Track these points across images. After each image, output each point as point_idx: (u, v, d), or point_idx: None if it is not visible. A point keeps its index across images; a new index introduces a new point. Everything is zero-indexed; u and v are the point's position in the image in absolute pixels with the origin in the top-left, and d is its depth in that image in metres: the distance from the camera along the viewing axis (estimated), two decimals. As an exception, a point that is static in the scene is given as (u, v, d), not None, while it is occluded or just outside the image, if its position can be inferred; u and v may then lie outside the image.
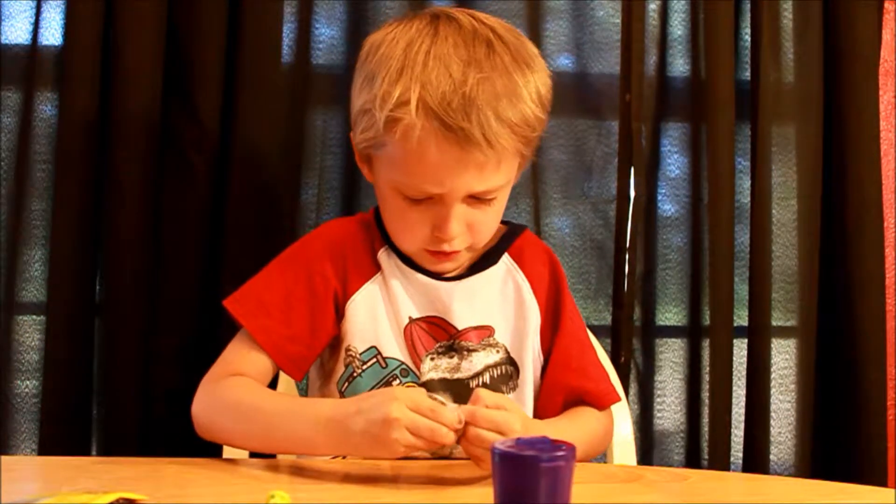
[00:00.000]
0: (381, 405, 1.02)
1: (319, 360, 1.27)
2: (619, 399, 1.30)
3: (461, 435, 1.03)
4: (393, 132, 1.13)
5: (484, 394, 1.05)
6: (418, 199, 1.18)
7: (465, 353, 1.23)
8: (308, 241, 1.29)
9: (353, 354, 1.22)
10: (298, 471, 1.10)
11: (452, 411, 1.02)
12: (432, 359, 1.22)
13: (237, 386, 1.17)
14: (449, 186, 1.15)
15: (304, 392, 1.59)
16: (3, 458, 1.12)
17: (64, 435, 1.52)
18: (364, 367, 1.22)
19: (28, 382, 1.54)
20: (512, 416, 1.04)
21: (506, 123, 1.13)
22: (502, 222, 1.32)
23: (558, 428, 1.19)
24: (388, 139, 1.15)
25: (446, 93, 1.11)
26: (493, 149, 1.12)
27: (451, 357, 1.22)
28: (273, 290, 1.22)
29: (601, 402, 1.27)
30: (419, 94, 1.11)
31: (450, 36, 1.15)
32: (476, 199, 1.18)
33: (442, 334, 1.23)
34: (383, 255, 1.26)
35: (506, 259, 1.29)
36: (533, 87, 1.17)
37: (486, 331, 1.25)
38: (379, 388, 1.21)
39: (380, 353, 1.22)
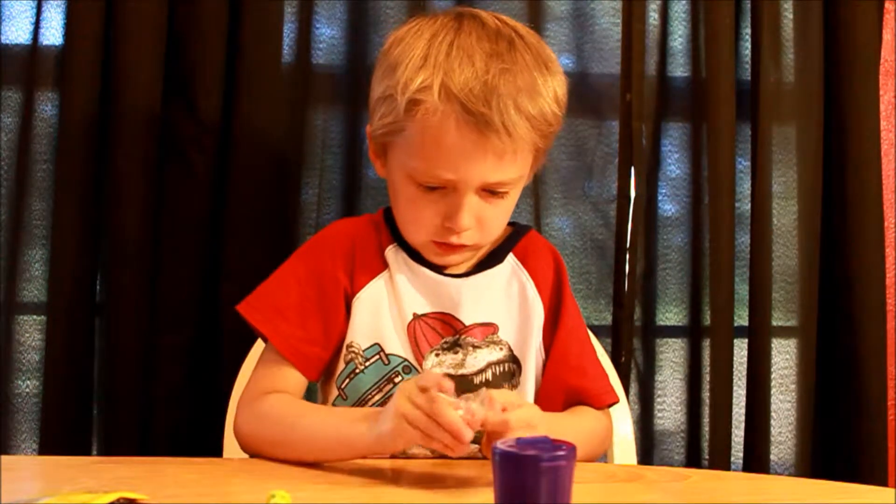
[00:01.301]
0: (394, 400, 1.05)
1: None
2: (616, 400, 1.30)
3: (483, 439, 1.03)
4: (413, 115, 1.15)
5: (496, 394, 1.04)
6: (432, 188, 1.19)
7: (470, 349, 1.23)
8: (317, 242, 1.29)
9: (356, 351, 1.23)
10: (299, 471, 1.10)
11: (467, 411, 1.01)
12: (437, 354, 1.22)
13: (277, 403, 1.18)
14: (464, 173, 1.16)
15: (307, 392, 1.59)
16: (4, 457, 1.12)
17: (64, 434, 1.52)
18: (367, 363, 1.22)
19: (28, 382, 1.55)
20: (535, 410, 1.06)
21: (524, 115, 1.15)
22: (508, 223, 1.33)
23: (563, 423, 1.20)
24: (407, 123, 1.17)
25: (468, 80, 1.13)
26: (510, 137, 1.14)
27: (456, 353, 1.23)
28: (286, 294, 1.23)
29: (598, 401, 1.27)
30: (442, 79, 1.13)
31: (473, 31, 1.18)
32: (489, 192, 1.19)
33: (447, 330, 1.24)
34: (391, 252, 1.26)
35: (511, 259, 1.30)
36: (551, 87, 1.19)
37: (490, 328, 1.25)
38: (381, 385, 1.22)
39: (382, 349, 1.22)
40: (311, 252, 1.27)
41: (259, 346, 1.30)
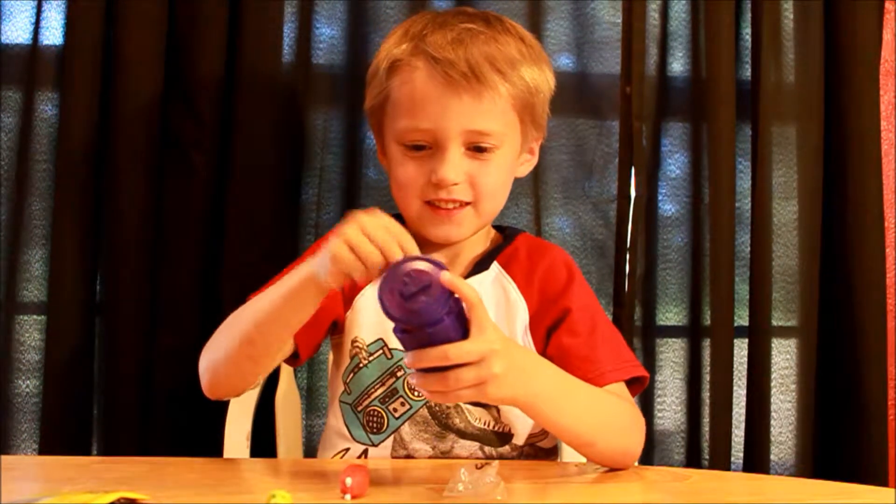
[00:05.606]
0: (342, 226, 1.02)
1: (331, 353, 1.30)
2: (617, 380, 1.22)
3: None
4: (391, 76, 1.22)
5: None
6: (418, 147, 1.21)
7: None
8: (321, 241, 1.30)
9: (360, 346, 1.24)
10: (299, 471, 1.11)
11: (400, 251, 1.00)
12: None
13: (221, 324, 1.19)
14: (442, 122, 1.19)
15: (307, 392, 1.59)
16: (4, 457, 1.13)
17: (64, 434, 1.52)
18: (371, 358, 1.24)
19: (29, 382, 1.55)
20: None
21: (495, 68, 1.20)
22: (499, 227, 1.33)
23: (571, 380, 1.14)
24: (387, 86, 1.23)
25: (439, 38, 1.20)
26: (480, 82, 1.18)
27: None
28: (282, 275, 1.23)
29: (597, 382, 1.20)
30: (416, 43, 1.21)
31: (451, 10, 1.27)
32: (474, 149, 1.21)
33: None
34: None
35: (495, 266, 1.29)
36: (532, 64, 1.23)
37: None
38: (384, 378, 1.23)
39: (386, 344, 1.24)
40: (312, 250, 1.28)
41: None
